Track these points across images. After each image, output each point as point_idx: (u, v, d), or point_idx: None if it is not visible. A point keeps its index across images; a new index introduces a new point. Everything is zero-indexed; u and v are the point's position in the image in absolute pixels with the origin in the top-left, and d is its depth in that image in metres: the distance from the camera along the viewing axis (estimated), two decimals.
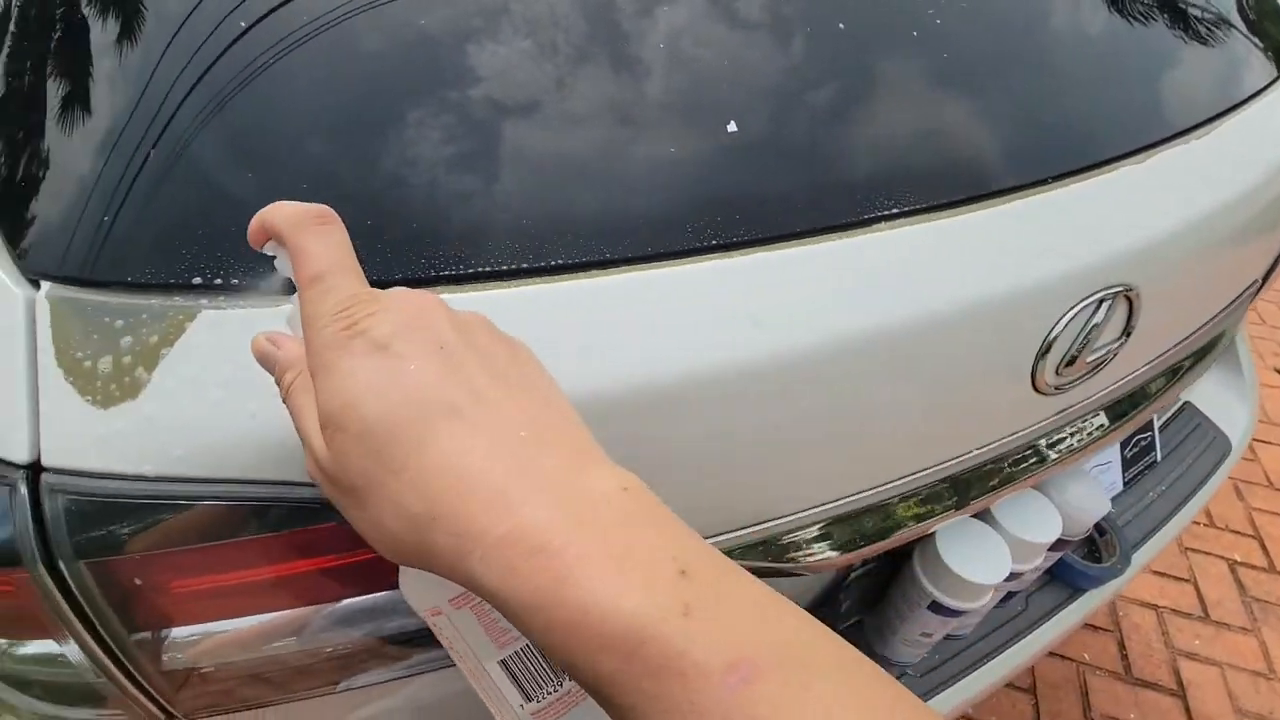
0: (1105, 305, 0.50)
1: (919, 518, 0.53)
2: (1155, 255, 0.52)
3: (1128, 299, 0.52)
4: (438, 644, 0.31)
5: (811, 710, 0.19)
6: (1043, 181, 0.50)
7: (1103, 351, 0.54)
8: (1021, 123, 0.51)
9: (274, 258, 0.29)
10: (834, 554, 0.50)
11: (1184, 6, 0.66)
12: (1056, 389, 0.52)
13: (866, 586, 0.71)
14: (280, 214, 0.27)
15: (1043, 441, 0.59)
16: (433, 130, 0.39)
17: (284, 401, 0.28)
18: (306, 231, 0.27)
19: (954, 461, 0.52)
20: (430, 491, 0.22)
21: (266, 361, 0.29)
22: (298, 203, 0.28)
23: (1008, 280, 0.46)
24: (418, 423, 0.23)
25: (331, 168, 0.38)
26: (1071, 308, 0.49)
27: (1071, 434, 0.60)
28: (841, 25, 0.48)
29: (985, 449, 0.53)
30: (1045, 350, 0.49)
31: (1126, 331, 0.55)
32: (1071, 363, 0.52)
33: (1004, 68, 0.52)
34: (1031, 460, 0.58)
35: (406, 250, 0.37)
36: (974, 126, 0.49)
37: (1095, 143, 0.53)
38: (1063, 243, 0.49)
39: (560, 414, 0.26)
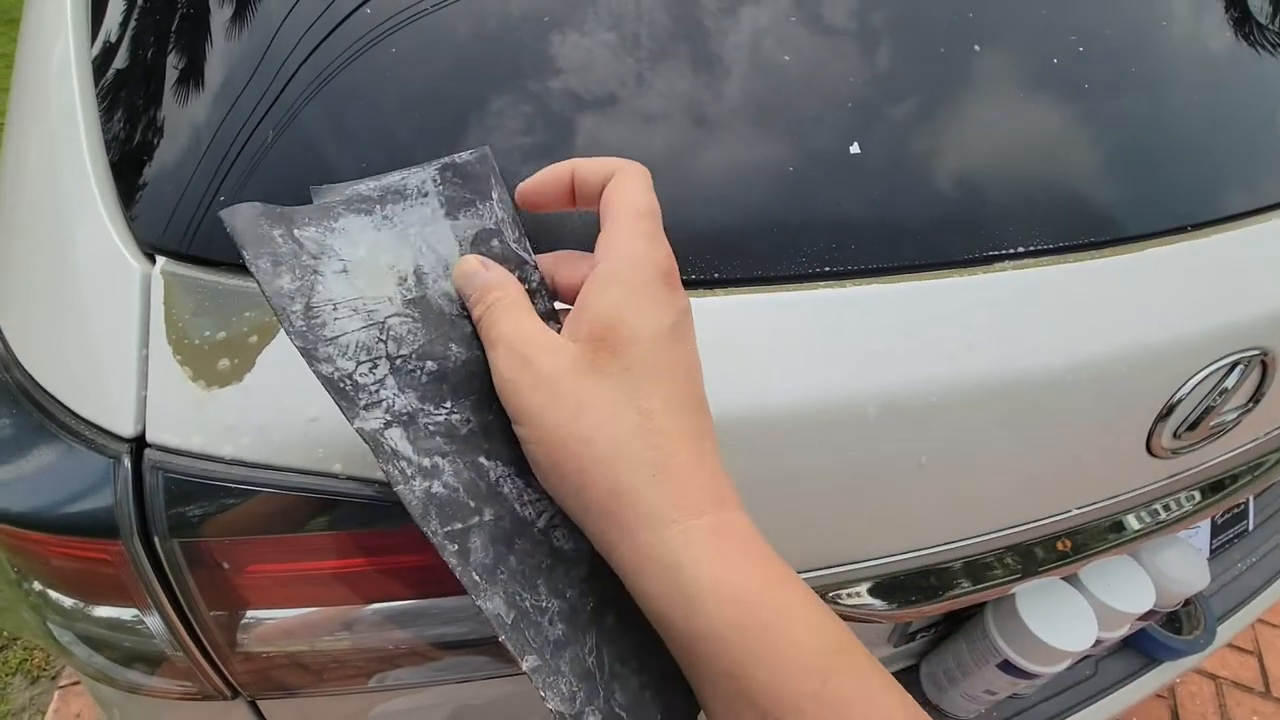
0: (1239, 369, 0.46)
1: (1004, 575, 0.50)
2: None
3: (1263, 364, 0.48)
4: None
5: None
6: (1182, 229, 0.46)
7: (1227, 417, 0.49)
8: (1166, 163, 0.47)
9: None
10: (899, 607, 0.47)
11: None
12: (1172, 453, 0.49)
13: (927, 631, 0.68)
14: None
15: (1147, 506, 0.54)
16: (540, 132, 0.38)
17: (478, 320, 0.29)
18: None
19: (1050, 520, 0.49)
20: None
21: (472, 279, 0.30)
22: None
23: (1136, 334, 0.42)
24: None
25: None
26: (1202, 368, 0.45)
27: (1178, 501, 0.55)
28: (978, 48, 0.45)
29: (1085, 509, 0.49)
30: (1167, 412, 0.46)
31: (1255, 398, 0.50)
32: (1193, 427, 0.48)
33: (1152, 100, 0.48)
34: (1133, 525, 0.54)
35: None
36: (1113, 164, 0.46)
37: (1246, 189, 0.48)
38: (1200, 297, 0.45)
39: None
